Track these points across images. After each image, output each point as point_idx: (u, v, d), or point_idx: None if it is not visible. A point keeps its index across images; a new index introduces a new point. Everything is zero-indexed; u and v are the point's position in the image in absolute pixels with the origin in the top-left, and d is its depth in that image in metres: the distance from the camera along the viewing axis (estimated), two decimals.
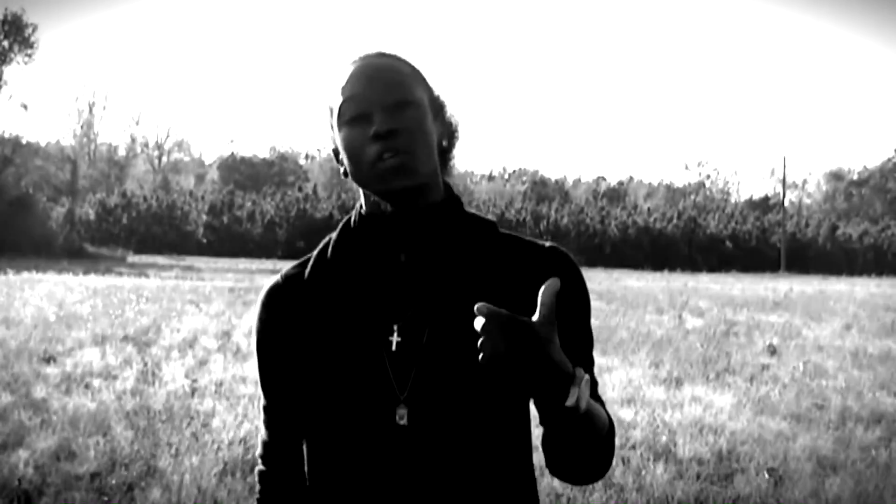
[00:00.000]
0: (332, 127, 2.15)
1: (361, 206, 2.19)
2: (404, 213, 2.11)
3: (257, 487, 2.31)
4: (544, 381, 1.76)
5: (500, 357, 1.72)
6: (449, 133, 2.23)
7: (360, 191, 2.17)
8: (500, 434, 2.15)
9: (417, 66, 2.19)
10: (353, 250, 2.18)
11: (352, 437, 2.08)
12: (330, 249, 2.21)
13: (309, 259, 2.25)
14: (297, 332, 2.17)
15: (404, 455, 2.06)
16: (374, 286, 2.13)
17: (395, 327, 2.10)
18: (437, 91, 2.21)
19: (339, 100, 2.08)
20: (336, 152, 2.18)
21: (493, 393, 2.09)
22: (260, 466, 2.30)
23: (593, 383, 2.20)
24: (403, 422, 2.06)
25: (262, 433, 2.32)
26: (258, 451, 2.33)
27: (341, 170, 2.18)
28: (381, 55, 2.14)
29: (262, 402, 2.30)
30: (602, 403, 2.22)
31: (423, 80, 2.17)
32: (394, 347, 2.09)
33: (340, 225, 2.24)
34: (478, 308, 1.71)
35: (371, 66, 2.10)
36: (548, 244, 2.23)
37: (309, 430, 2.18)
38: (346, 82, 2.09)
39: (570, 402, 1.78)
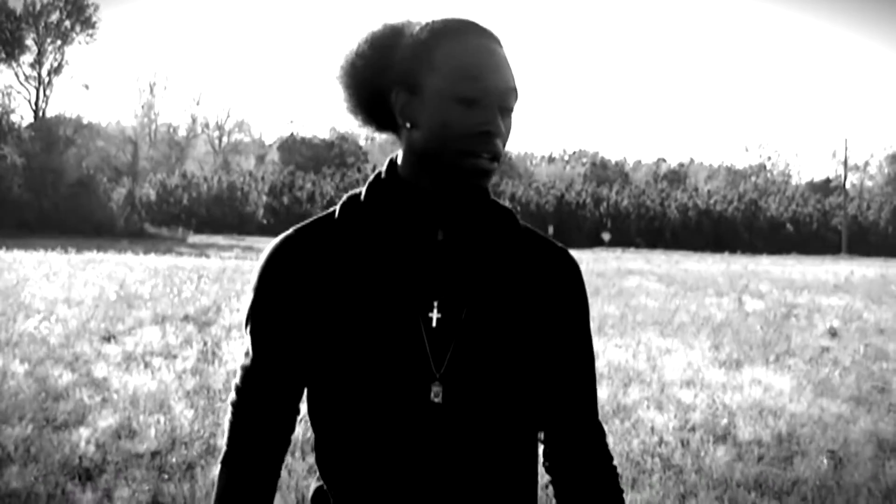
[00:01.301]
0: (417, 71, 2.02)
1: (396, 166, 2.13)
2: (447, 193, 2.08)
3: (228, 422, 2.24)
4: None
5: None
6: None
7: (405, 151, 2.10)
8: (530, 417, 2.16)
9: None
10: (387, 216, 2.10)
11: (381, 409, 2.04)
12: (363, 200, 2.13)
13: (317, 220, 2.17)
14: (319, 284, 2.08)
15: (436, 433, 2.04)
16: (412, 259, 2.07)
17: (436, 303, 2.06)
18: None
19: (462, 68, 1.98)
20: (411, 88, 2.03)
21: (527, 376, 2.11)
22: (230, 417, 2.23)
23: (592, 401, 2.26)
24: (438, 399, 2.02)
25: (235, 382, 2.23)
26: (231, 398, 2.24)
27: (400, 112, 2.06)
28: (497, 41, 2.06)
29: (250, 356, 2.19)
30: (603, 432, 2.28)
31: None
32: (434, 324, 2.05)
33: (369, 182, 2.15)
34: None
35: (500, 56, 2.03)
36: (560, 245, 2.25)
37: (327, 394, 2.13)
38: (476, 56, 2.00)
39: None
